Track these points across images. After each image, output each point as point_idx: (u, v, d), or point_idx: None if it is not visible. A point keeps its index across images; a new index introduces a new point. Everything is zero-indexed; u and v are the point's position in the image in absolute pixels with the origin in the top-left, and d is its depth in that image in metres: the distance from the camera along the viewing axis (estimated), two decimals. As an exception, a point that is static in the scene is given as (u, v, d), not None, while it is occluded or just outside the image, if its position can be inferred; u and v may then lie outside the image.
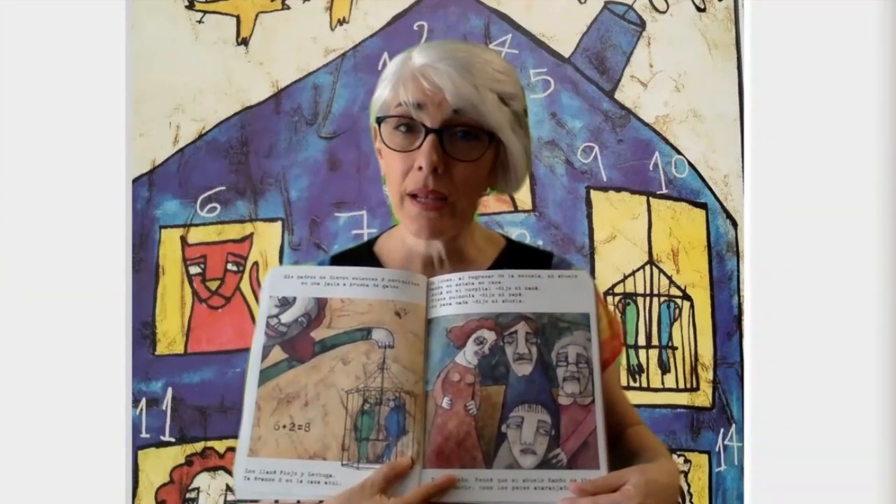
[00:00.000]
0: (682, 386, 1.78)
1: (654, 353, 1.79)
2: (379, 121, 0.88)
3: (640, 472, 0.75)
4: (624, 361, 1.78)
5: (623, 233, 1.81)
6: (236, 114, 1.82)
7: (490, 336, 0.81)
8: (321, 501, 0.74)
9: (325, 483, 0.74)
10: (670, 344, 1.79)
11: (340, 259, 1.00)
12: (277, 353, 0.81)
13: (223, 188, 1.80)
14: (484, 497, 0.74)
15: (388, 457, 0.75)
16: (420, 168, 0.84)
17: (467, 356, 0.81)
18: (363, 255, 0.99)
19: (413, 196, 0.86)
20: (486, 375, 0.80)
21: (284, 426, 0.77)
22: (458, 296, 0.84)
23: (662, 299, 1.80)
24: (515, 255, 0.99)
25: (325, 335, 0.82)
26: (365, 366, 0.79)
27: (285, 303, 0.84)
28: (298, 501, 0.76)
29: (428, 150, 0.83)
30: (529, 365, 0.80)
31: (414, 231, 0.89)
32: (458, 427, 0.77)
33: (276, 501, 0.77)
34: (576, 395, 0.79)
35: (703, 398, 1.78)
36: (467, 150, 0.86)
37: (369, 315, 0.82)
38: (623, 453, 0.89)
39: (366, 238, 1.04)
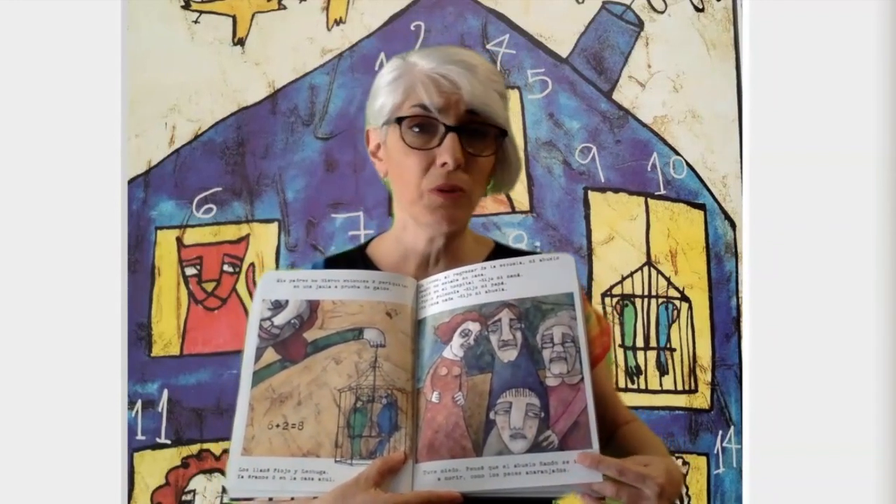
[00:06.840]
0: (680, 388, 1.78)
1: (652, 354, 1.79)
2: (399, 121, 0.90)
3: (660, 460, 0.77)
4: (622, 363, 1.77)
5: (621, 234, 1.81)
6: (232, 114, 1.81)
7: (475, 327, 0.82)
8: (315, 497, 0.74)
9: (319, 479, 0.75)
10: (668, 345, 1.79)
11: (334, 262, 1.02)
12: (270, 355, 0.82)
13: (219, 189, 1.79)
14: (476, 486, 0.74)
15: (380, 453, 0.76)
16: (444, 164, 0.88)
17: (454, 350, 0.81)
18: (356, 258, 1.00)
19: (433, 190, 0.89)
20: (471, 366, 0.80)
21: (278, 425, 0.77)
22: (444, 294, 0.85)
23: (661, 301, 1.80)
24: (504, 255, 0.99)
25: (318, 336, 0.82)
26: (357, 364, 0.80)
27: (278, 305, 0.84)
28: (292, 498, 0.76)
29: (452, 147, 0.87)
30: (514, 350, 0.80)
31: (432, 222, 0.91)
32: (447, 419, 0.77)
33: (271, 499, 0.77)
34: (563, 374, 0.78)
35: (702, 400, 1.78)
36: (481, 146, 0.91)
37: (361, 315, 0.83)
38: (619, 452, 0.88)
39: (362, 239, 1.04)
